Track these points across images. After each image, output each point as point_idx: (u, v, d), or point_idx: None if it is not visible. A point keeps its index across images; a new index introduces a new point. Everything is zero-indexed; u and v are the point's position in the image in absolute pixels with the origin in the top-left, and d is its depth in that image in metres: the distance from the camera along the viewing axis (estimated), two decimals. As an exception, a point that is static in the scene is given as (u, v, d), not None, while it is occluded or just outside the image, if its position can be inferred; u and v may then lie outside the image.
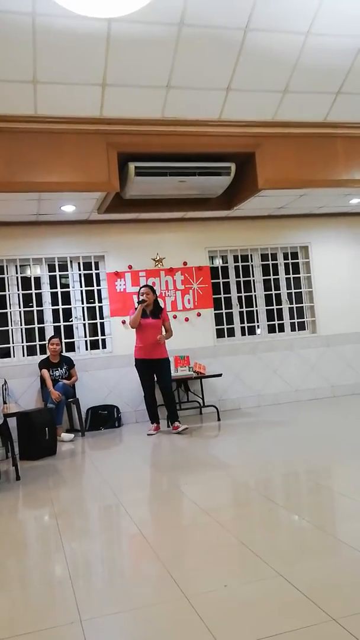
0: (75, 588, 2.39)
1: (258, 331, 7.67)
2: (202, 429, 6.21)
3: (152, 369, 6.04)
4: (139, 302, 6.02)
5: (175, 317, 7.03)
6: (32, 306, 6.89)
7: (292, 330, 7.75)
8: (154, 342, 5.96)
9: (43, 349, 6.75)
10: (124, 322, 7.00)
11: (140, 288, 6.17)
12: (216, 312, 7.43)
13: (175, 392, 6.51)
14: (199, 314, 7.21)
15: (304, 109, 5.59)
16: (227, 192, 6.29)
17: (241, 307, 7.60)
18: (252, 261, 7.68)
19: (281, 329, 7.72)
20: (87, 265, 7.10)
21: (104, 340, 7.11)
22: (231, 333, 7.54)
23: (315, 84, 5.26)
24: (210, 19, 4.39)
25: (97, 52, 4.53)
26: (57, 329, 6.91)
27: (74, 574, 2.56)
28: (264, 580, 2.28)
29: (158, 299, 6.29)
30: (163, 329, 6.12)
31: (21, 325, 6.82)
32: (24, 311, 6.86)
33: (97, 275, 7.14)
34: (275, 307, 7.71)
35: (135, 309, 6.03)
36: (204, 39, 4.57)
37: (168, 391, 6.04)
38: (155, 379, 6.12)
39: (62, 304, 6.98)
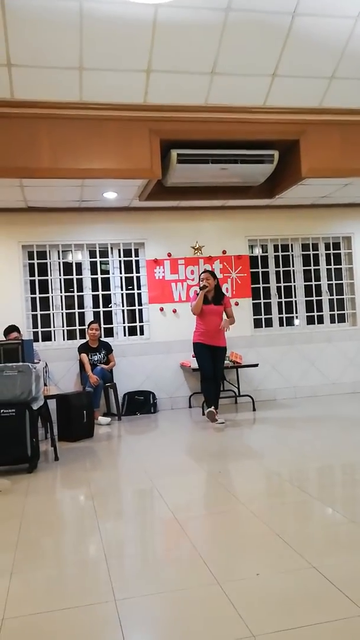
0: (110, 568, 2.45)
1: (296, 322, 7.59)
2: (237, 418, 6.22)
3: (210, 354, 5.83)
4: (200, 288, 5.83)
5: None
6: (72, 291, 7.01)
7: (331, 323, 7.64)
8: (215, 328, 5.78)
9: (82, 334, 6.87)
10: (162, 309, 7.05)
11: (201, 274, 6.00)
12: (254, 301, 7.39)
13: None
14: (237, 304, 7.18)
15: (351, 96, 5.45)
16: (269, 180, 6.21)
17: (280, 297, 7.53)
18: (292, 251, 7.58)
19: (320, 320, 7.62)
20: (127, 252, 7.16)
21: (142, 327, 7.17)
22: (269, 323, 7.48)
23: (364, 69, 5.11)
24: (257, 3, 4.32)
25: (143, 38, 4.52)
26: (96, 315, 7.01)
27: (108, 554, 2.62)
28: (297, 571, 2.29)
29: (219, 284, 6.08)
30: (225, 315, 5.93)
31: (62, 309, 6.95)
32: (65, 296, 6.98)
33: (137, 262, 7.19)
34: (314, 298, 7.61)
35: (197, 294, 5.83)
36: (251, 24, 4.50)
37: (219, 381, 5.97)
38: None
39: (102, 290, 7.07)
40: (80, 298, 7.03)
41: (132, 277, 7.20)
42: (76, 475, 4.19)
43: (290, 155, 5.90)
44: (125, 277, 7.17)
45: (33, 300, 6.86)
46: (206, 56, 4.78)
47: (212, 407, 5.73)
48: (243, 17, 4.43)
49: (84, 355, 6.46)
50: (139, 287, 7.21)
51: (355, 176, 5.94)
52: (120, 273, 7.15)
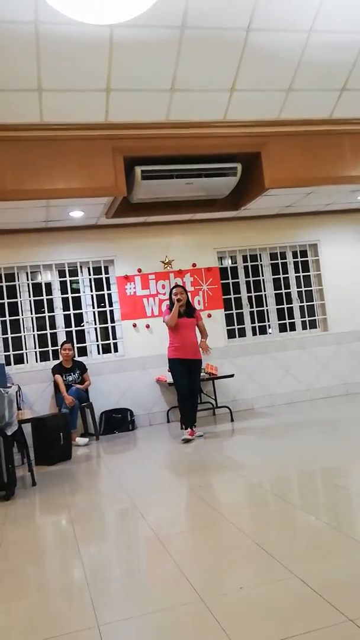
0: (92, 593, 2.40)
1: (269, 331, 7.65)
2: (215, 430, 6.21)
3: (187, 368, 5.80)
4: (171, 303, 5.81)
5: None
6: (43, 312, 6.94)
7: (303, 329, 7.73)
8: (189, 341, 5.79)
9: (56, 355, 6.79)
10: (135, 325, 7.03)
11: (172, 289, 5.97)
12: (226, 312, 7.43)
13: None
14: (209, 315, 7.21)
15: (309, 107, 5.57)
16: (234, 192, 6.29)
17: (251, 307, 7.59)
18: (261, 261, 7.67)
19: (292, 327, 7.70)
20: (97, 270, 7.14)
21: (115, 344, 7.14)
22: (242, 333, 7.53)
23: (319, 81, 5.25)
24: (212, 20, 4.40)
25: (101, 58, 4.56)
26: (69, 334, 6.95)
27: (91, 579, 2.58)
28: (280, 582, 2.28)
29: (189, 298, 6.06)
30: (198, 330, 5.92)
31: (33, 331, 6.87)
32: (36, 317, 6.91)
33: (107, 279, 7.17)
34: (285, 306, 7.69)
35: (170, 309, 5.81)
36: (207, 40, 4.59)
37: (196, 394, 5.94)
38: None
39: (74, 309, 7.02)
40: (52, 318, 6.97)
41: (103, 294, 7.17)
42: (55, 500, 4.12)
43: (253, 168, 5.99)
44: (97, 295, 7.14)
45: (3, 323, 6.77)
46: (165, 73, 4.84)
47: (188, 429, 5.69)
48: (199, 34, 4.51)
49: (58, 377, 6.39)
50: (110, 304, 7.19)
51: (317, 184, 6.07)
52: (91, 291, 7.12)
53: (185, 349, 5.80)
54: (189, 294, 6.17)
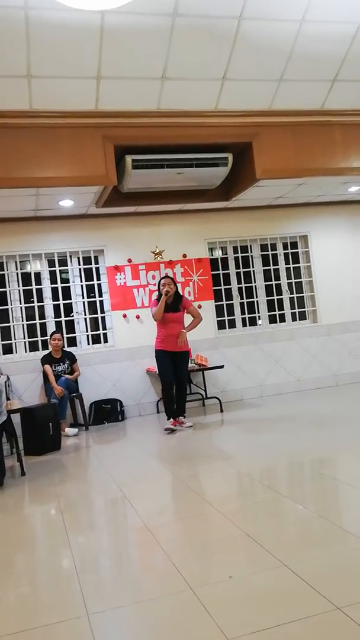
0: (82, 582, 2.41)
1: (259, 322, 7.67)
2: (205, 420, 6.23)
3: (172, 360, 5.80)
4: (159, 294, 5.79)
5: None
6: (33, 302, 6.89)
7: (293, 321, 7.75)
8: (176, 334, 5.75)
9: (45, 345, 6.76)
10: (124, 315, 7.01)
11: (160, 279, 5.93)
12: (217, 303, 7.43)
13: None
14: (199, 306, 7.17)
15: (301, 98, 5.55)
16: (225, 183, 6.26)
17: (242, 298, 7.59)
18: (251, 252, 7.67)
19: (282, 319, 7.72)
20: (87, 260, 7.10)
21: (105, 335, 7.12)
22: (232, 324, 7.54)
23: (311, 71, 5.22)
24: (203, 8, 4.36)
25: (91, 45, 4.50)
26: (58, 324, 6.91)
27: (80, 568, 2.58)
28: (269, 571, 2.30)
29: (178, 289, 5.98)
30: (187, 319, 5.89)
31: (23, 321, 6.82)
32: (25, 307, 6.86)
33: (97, 269, 7.14)
34: (275, 297, 7.71)
35: (157, 300, 5.78)
36: (198, 29, 4.54)
37: (183, 386, 5.92)
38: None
39: (63, 299, 6.98)
40: (41, 308, 6.92)
41: (93, 284, 7.14)
42: (44, 489, 4.11)
43: (244, 158, 5.97)
44: (86, 285, 7.10)
45: (-8, 313, 6.72)
46: (156, 61, 4.79)
47: (171, 420, 5.75)
48: (190, 22, 4.46)
49: (47, 367, 6.36)
50: (100, 295, 7.15)
51: (308, 176, 6.06)
52: (81, 281, 7.07)
53: (171, 340, 5.77)
54: (179, 285, 6.13)
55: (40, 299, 6.92)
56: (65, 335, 6.77)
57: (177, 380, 5.87)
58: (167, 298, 5.73)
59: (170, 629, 1.97)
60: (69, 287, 7.03)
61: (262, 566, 2.35)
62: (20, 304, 6.83)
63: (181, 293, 6.13)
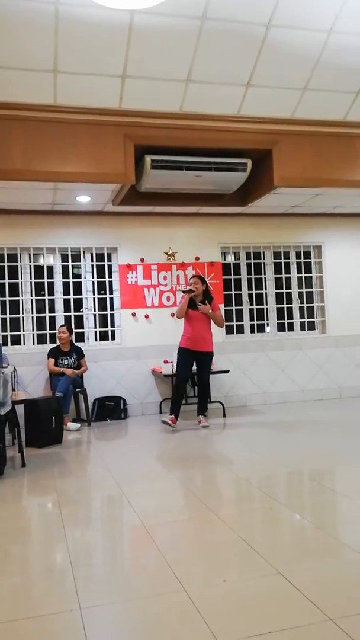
0: (75, 576, 2.42)
1: (267, 329, 7.66)
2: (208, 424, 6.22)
3: (194, 360, 5.87)
4: (183, 292, 5.92)
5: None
6: (43, 295, 6.93)
7: (301, 330, 7.74)
8: (200, 334, 5.82)
9: (53, 338, 6.79)
10: (134, 314, 7.03)
11: (190, 278, 6.04)
12: (226, 308, 7.43)
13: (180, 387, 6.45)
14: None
15: (323, 108, 5.55)
16: (242, 188, 6.26)
17: (251, 304, 7.58)
18: (264, 259, 7.66)
19: (290, 328, 7.70)
20: (100, 257, 7.13)
21: (113, 332, 7.14)
22: (240, 330, 7.53)
23: (335, 83, 5.22)
24: (232, 13, 4.37)
25: (119, 44, 4.52)
26: (67, 319, 6.94)
27: (75, 562, 2.59)
28: (263, 578, 2.30)
29: (209, 289, 6.04)
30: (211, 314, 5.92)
31: (32, 313, 6.86)
32: (36, 300, 6.90)
33: (109, 267, 7.16)
34: (285, 305, 7.69)
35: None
36: (226, 33, 4.55)
37: (205, 385, 6.01)
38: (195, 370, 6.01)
39: (74, 294, 7.01)
40: (51, 302, 6.96)
41: (105, 281, 7.16)
42: (43, 482, 4.13)
43: (263, 164, 5.97)
44: (98, 282, 7.12)
45: (2, 303, 6.76)
46: (181, 63, 4.81)
47: (172, 415, 5.82)
48: (218, 27, 4.48)
49: (50, 360, 6.41)
50: (111, 292, 7.18)
51: (327, 186, 6.05)
52: (93, 277, 7.10)
53: (195, 340, 5.86)
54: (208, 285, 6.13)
55: (51, 292, 6.95)
56: (73, 330, 6.80)
57: (200, 380, 5.99)
58: (191, 296, 5.79)
59: (161, 628, 1.98)
60: (80, 282, 7.06)
61: (257, 573, 2.35)
62: (31, 296, 6.86)
63: (212, 295, 6.07)
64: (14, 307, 6.81)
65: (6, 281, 6.75)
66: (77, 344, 6.78)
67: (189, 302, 5.85)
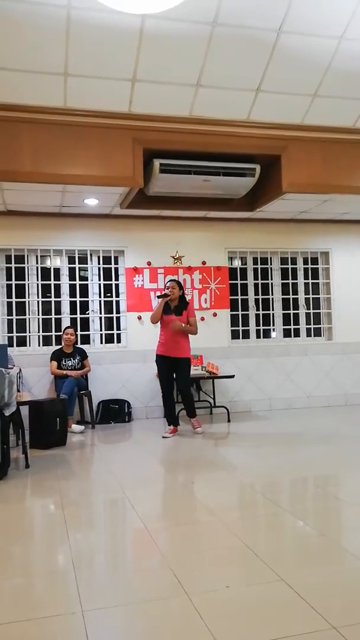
0: (78, 579, 2.41)
1: (273, 335, 7.64)
2: (212, 429, 6.20)
3: (171, 367, 5.77)
4: (158, 296, 5.82)
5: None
6: (50, 297, 6.94)
7: (307, 336, 7.71)
8: (175, 339, 5.71)
9: (58, 340, 6.80)
10: (139, 317, 7.03)
11: (167, 282, 5.91)
12: (232, 313, 7.42)
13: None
14: (215, 314, 7.21)
15: (333, 114, 5.55)
16: (250, 193, 6.27)
17: (258, 309, 7.57)
18: (271, 264, 7.65)
19: (297, 334, 7.68)
20: (107, 260, 7.14)
21: (118, 335, 7.14)
22: (246, 335, 7.52)
23: (345, 89, 5.22)
24: (243, 19, 4.38)
25: (129, 48, 4.54)
26: (73, 321, 6.95)
27: (77, 564, 2.58)
28: (266, 584, 2.28)
29: (184, 294, 5.95)
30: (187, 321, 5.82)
31: (38, 315, 6.88)
32: (42, 301, 6.91)
33: (116, 270, 7.17)
34: (292, 311, 7.68)
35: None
36: (237, 39, 4.56)
37: (185, 392, 5.83)
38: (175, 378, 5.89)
39: (80, 297, 7.02)
40: (58, 304, 6.97)
41: (111, 284, 7.17)
42: (47, 483, 4.13)
43: (271, 170, 5.97)
44: (104, 285, 7.13)
45: (9, 304, 6.78)
46: (191, 68, 4.82)
47: (171, 425, 5.79)
48: (229, 32, 4.49)
49: (53, 363, 6.42)
50: (117, 295, 7.19)
51: (336, 192, 6.04)
52: (99, 280, 7.11)
53: (168, 345, 5.76)
54: (196, 291, 6.12)
55: (58, 294, 6.97)
56: (79, 332, 6.80)
57: (179, 388, 5.89)
58: (167, 300, 5.70)
59: (163, 633, 1.97)
60: (86, 285, 7.08)
61: (260, 579, 2.34)
62: (38, 297, 6.88)
63: (188, 300, 6.05)
64: (21, 309, 6.83)
65: (13, 282, 6.78)
66: (82, 346, 6.78)
67: (163, 307, 5.74)
